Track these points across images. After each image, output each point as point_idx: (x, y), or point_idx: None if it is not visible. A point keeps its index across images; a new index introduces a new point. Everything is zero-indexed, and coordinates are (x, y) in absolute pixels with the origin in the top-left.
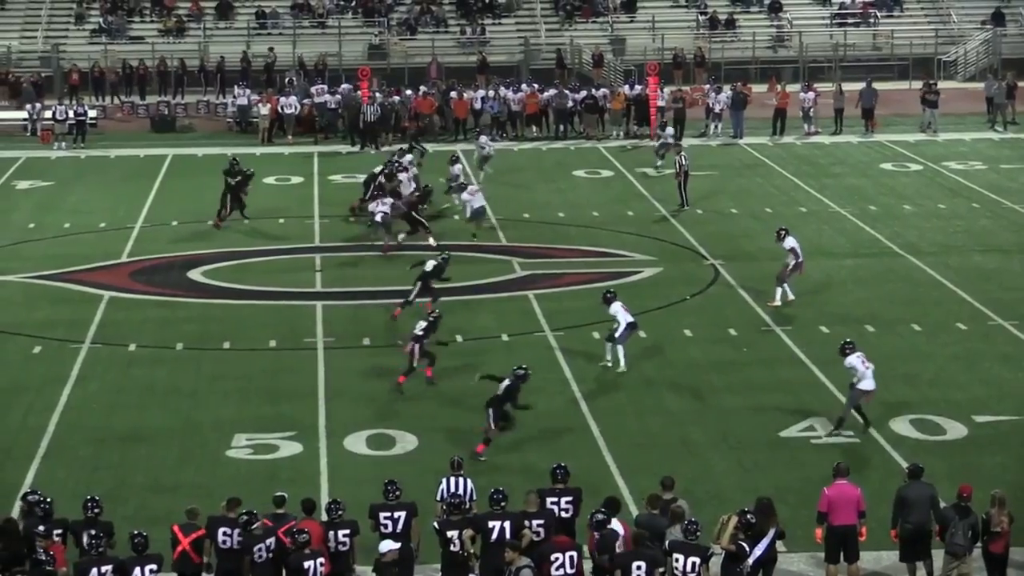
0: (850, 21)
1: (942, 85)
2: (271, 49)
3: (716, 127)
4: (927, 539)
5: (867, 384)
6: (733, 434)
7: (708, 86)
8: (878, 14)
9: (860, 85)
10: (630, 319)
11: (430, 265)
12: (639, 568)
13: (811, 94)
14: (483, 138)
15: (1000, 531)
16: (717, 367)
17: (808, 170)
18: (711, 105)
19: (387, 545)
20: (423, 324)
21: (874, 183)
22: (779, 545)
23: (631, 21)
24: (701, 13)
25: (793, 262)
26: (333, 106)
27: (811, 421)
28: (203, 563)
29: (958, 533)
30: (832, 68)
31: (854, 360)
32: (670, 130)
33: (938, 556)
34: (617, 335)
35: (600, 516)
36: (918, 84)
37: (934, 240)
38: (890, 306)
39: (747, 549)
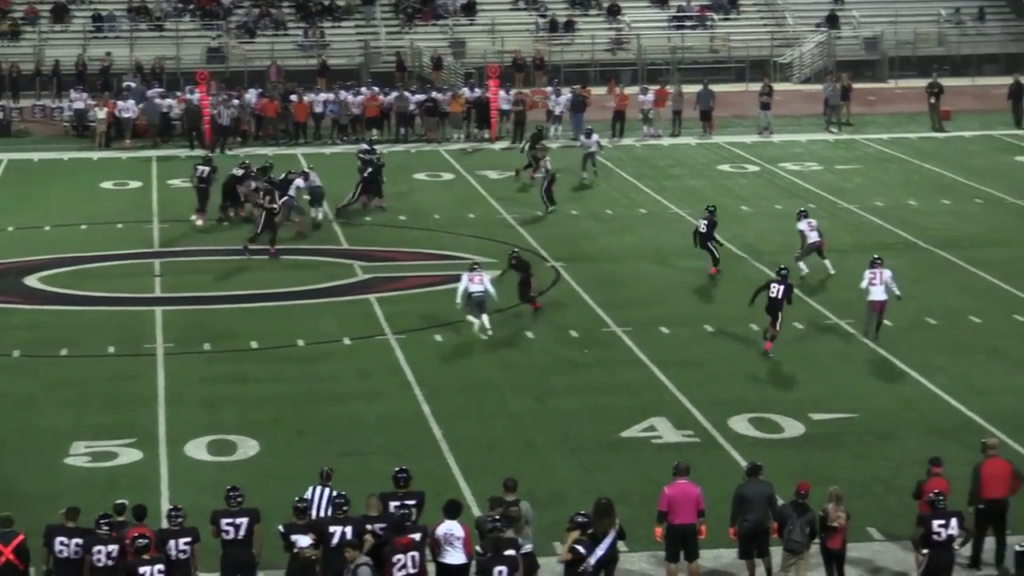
0: (688, 24)
1: (778, 87)
2: (108, 53)
3: (556, 129)
4: (765, 536)
5: (873, 295)
6: (574, 435)
7: (548, 88)
8: (715, 17)
9: (698, 87)
10: (472, 289)
11: (703, 225)
12: (500, 573)
13: (650, 96)
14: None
15: (837, 526)
16: (558, 368)
17: (647, 172)
18: (551, 107)
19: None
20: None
21: (712, 184)
22: (620, 545)
23: (471, 24)
24: (540, 16)
25: (805, 243)
26: (163, 111)
27: (651, 421)
28: (27, 569)
29: (796, 530)
30: (670, 70)
31: (865, 274)
32: (595, 137)
33: (776, 553)
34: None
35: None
36: (755, 86)
37: (772, 240)
38: (729, 306)
39: (582, 551)
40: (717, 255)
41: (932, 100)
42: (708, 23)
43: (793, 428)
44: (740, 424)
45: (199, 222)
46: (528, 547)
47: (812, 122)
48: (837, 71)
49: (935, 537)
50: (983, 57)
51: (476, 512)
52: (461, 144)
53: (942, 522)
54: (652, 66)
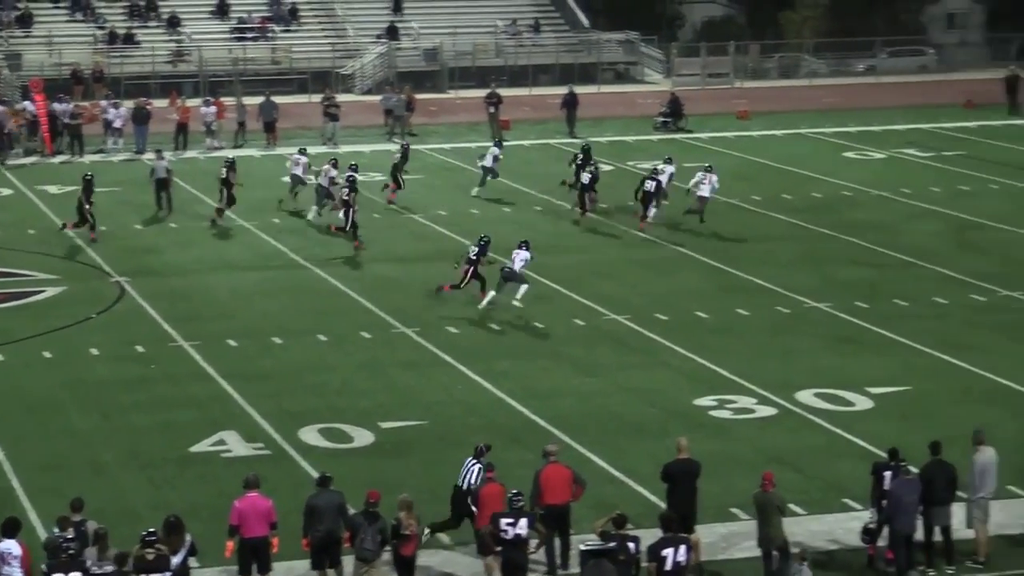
0: (249, 36)
1: (341, 98)
2: None
3: (116, 142)
4: (337, 546)
5: (701, 191)
6: (142, 452)
7: (106, 101)
8: (276, 29)
9: (261, 99)
10: (507, 264)
11: (587, 178)
12: None
13: (212, 108)
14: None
15: (409, 534)
16: (125, 385)
17: (213, 184)
18: (111, 120)
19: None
20: (475, 249)
21: (278, 195)
22: (192, 561)
23: (27, 36)
24: (99, 28)
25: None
26: None
27: (221, 435)
28: None
29: (367, 538)
30: (232, 82)
31: (699, 175)
32: (495, 151)
33: (348, 562)
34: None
35: None
36: (318, 97)
37: (337, 251)
38: (297, 317)
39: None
40: (585, 207)
41: (491, 110)
42: (269, 35)
43: (363, 437)
44: (310, 435)
45: None
46: (108, 568)
47: (375, 132)
48: (399, 82)
49: (503, 535)
50: (539, 67)
51: (42, 533)
52: (20, 160)
53: (510, 520)
54: (214, 78)
